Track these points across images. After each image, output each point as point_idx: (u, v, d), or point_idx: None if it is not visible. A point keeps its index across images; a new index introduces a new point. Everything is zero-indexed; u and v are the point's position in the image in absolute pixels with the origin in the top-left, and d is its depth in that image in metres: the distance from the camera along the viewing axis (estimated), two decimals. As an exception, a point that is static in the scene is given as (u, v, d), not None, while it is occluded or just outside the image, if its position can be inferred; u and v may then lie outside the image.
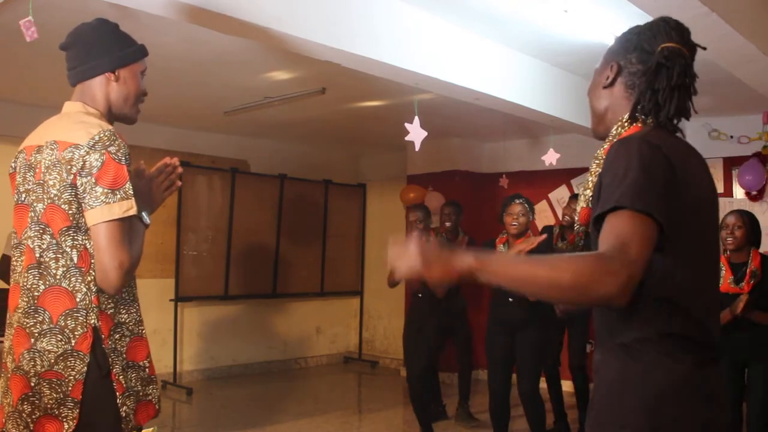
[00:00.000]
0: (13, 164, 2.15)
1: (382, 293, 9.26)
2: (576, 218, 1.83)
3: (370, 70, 4.23)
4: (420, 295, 5.31)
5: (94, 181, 1.94)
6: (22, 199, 2.07)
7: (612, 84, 1.80)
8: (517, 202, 4.62)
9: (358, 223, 9.69)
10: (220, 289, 8.05)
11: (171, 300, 7.60)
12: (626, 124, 1.74)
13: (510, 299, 4.66)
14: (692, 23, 3.47)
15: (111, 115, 2.19)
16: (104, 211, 1.94)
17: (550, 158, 6.11)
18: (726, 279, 4.32)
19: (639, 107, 1.72)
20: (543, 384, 5.05)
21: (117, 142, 1.99)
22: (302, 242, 8.88)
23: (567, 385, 6.07)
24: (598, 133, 1.85)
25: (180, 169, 2.33)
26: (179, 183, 2.35)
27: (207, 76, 5.54)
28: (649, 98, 1.71)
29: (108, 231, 1.94)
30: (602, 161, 1.70)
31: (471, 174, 8.32)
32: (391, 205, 9.09)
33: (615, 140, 1.70)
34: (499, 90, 4.93)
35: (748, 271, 4.30)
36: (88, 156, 1.95)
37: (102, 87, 2.14)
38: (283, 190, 8.62)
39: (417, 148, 4.99)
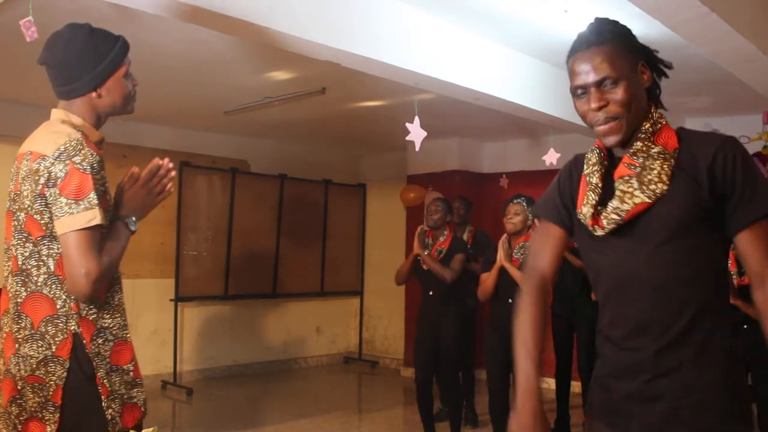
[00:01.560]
0: (12, 169, 2.15)
1: (383, 293, 9.28)
2: (623, 216, 1.74)
3: (370, 70, 4.23)
4: (431, 293, 5.27)
5: (58, 191, 1.94)
6: (9, 206, 2.08)
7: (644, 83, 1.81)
8: (515, 202, 4.69)
9: (358, 223, 9.69)
10: (220, 289, 8.05)
11: (171, 300, 7.61)
12: (659, 119, 1.81)
13: (510, 300, 4.66)
14: (692, 23, 3.50)
15: (101, 120, 2.17)
16: (68, 221, 1.93)
17: (551, 158, 6.11)
18: (729, 271, 4.32)
19: (655, 101, 1.85)
20: (545, 385, 5.06)
21: (83, 152, 1.96)
22: (302, 242, 8.88)
23: (575, 386, 6.06)
24: (625, 138, 1.78)
25: (173, 173, 2.27)
26: (170, 188, 2.28)
27: (207, 76, 5.54)
28: (656, 92, 1.87)
29: (74, 240, 1.93)
30: (667, 156, 1.73)
31: (471, 174, 8.32)
32: (391, 205, 9.09)
33: (675, 133, 1.79)
34: (499, 90, 4.93)
35: None
36: (52, 167, 1.95)
37: (87, 103, 2.12)
38: (283, 190, 8.62)
39: (417, 148, 4.99)
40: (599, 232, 1.80)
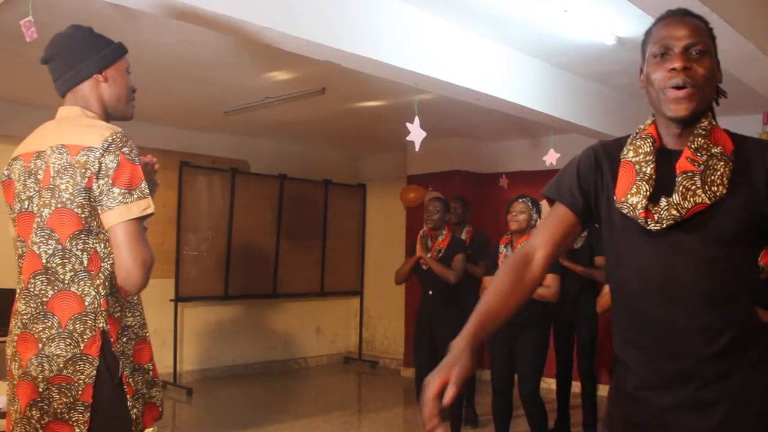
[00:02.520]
0: (6, 172, 2.14)
1: (382, 293, 9.28)
2: (683, 214, 1.67)
3: (370, 70, 4.23)
4: (431, 293, 5.28)
5: (111, 182, 1.94)
6: (26, 206, 2.05)
7: None
8: (520, 201, 4.73)
9: (358, 223, 9.69)
10: (219, 290, 8.05)
11: (171, 300, 7.61)
12: (713, 120, 1.76)
13: None
14: (692, 23, 3.48)
15: (107, 116, 2.19)
16: (123, 211, 1.94)
17: (551, 158, 6.12)
18: None
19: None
20: (545, 385, 5.07)
21: (129, 143, 2.01)
22: (302, 242, 8.88)
23: (575, 386, 6.06)
24: (694, 114, 1.70)
25: (157, 166, 2.33)
26: (158, 182, 2.34)
27: (207, 76, 5.54)
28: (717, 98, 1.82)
29: (128, 230, 1.94)
30: (727, 159, 1.68)
31: (471, 174, 8.32)
32: (391, 205, 9.09)
33: (724, 133, 1.74)
34: (499, 90, 4.93)
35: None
36: (103, 158, 1.95)
37: (93, 90, 2.14)
38: (283, 190, 8.62)
39: (417, 148, 4.99)
40: (654, 227, 1.69)
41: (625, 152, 1.79)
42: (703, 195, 1.65)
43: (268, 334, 8.78)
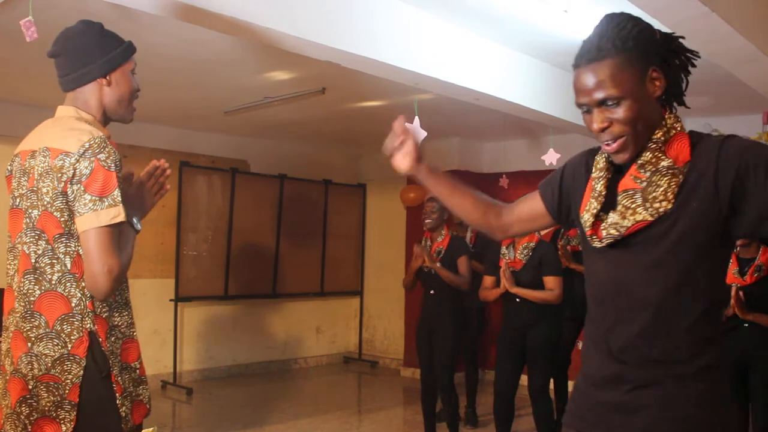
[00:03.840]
0: (9, 167, 2.17)
1: (382, 293, 9.28)
2: (621, 232, 1.68)
3: (370, 70, 4.23)
4: (432, 292, 5.26)
5: (83, 188, 1.95)
6: (17, 203, 2.08)
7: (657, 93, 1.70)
8: None
9: (358, 223, 9.69)
10: (219, 289, 8.05)
11: (171, 300, 7.61)
12: (674, 125, 1.71)
13: (517, 299, 4.70)
14: (692, 23, 3.50)
15: (106, 118, 2.19)
16: (92, 218, 1.94)
17: (551, 158, 6.11)
18: (730, 270, 4.32)
19: (670, 104, 1.76)
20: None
21: (107, 149, 1.99)
22: (302, 242, 8.88)
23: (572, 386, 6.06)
24: (634, 154, 1.69)
25: (169, 172, 2.33)
26: (168, 187, 2.35)
27: (207, 76, 5.54)
28: (675, 95, 1.75)
29: (97, 237, 1.94)
30: (676, 171, 1.64)
31: (471, 174, 8.31)
32: (391, 205, 9.09)
33: (689, 140, 1.68)
34: (499, 90, 4.93)
35: (753, 264, 4.31)
36: (78, 164, 1.96)
37: (95, 92, 2.15)
38: (283, 190, 8.62)
39: (417, 147, 4.98)
40: (597, 244, 1.74)
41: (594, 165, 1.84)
42: (644, 212, 1.65)
43: (268, 334, 8.78)
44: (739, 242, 4.38)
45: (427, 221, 5.22)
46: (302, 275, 8.91)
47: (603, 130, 1.67)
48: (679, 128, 1.70)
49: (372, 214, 9.71)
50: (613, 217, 1.70)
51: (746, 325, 4.30)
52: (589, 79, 1.66)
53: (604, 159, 1.79)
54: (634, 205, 1.67)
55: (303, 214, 8.90)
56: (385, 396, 7.70)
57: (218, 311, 8.27)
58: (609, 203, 1.73)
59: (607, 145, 1.70)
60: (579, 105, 1.72)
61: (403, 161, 2.06)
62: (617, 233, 1.69)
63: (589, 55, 1.68)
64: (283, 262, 8.62)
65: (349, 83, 5.57)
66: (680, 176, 1.64)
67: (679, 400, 1.65)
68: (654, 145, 1.68)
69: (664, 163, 1.66)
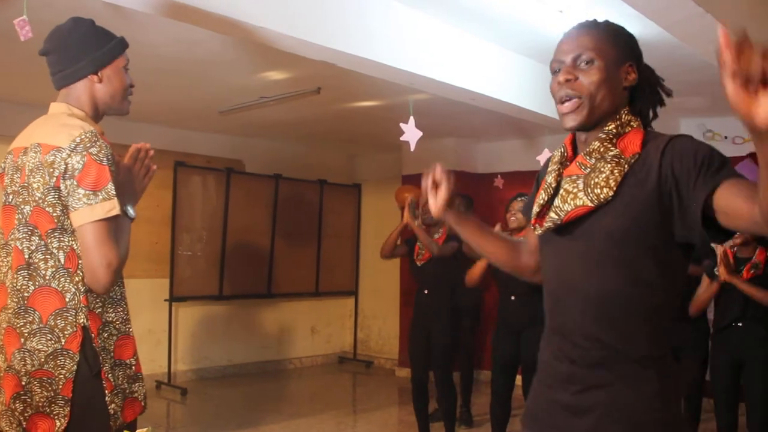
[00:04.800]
0: (2, 165, 2.17)
1: (378, 293, 9.28)
2: (561, 216, 1.68)
3: (366, 70, 4.23)
4: (426, 291, 5.26)
5: (76, 183, 1.95)
6: (10, 200, 2.08)
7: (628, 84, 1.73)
8: (519, 199, 4.75)
9: (353, 223, 9.69)
10: (214, 289, 8.03)
11: (165, 300, 7.59)
12: (630, 122, 1.71)
13: (512, 298, 4.70)
14: (687, 24, 3.51)
15: (99, 114, 2.19)
16: (87, 212, 1.95)
17: (545, 158, 6.13)
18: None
19: (638, 108, 1.75)
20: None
21: (98, 143, 2.00)
22: (297, 242, 8.87)
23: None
24: (584, 124, 1.70)
25: (152, 152, 2.29)
26: (155, 167, 2.32)
27: (202, 76, 5.53)
28: (647, 101, 1.77)
29: (93, 231, 1.95)
30: (622, 161, 1.63)
31: (466, 174, 8.32)
32: (387, 205, 9.07)
33: (634, 136, 1.68)
34: (495, 90, 4.93)
35: (750, 262, 4.33)
36: (69, 158, 1.96)
37: (87, 89, 2.15)
38: (278, 189, 8.61)
39: (412, 148, 4.98)
40: (538, 231, 1.76)
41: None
42: (584, 198, 1.64)
43: (263, 334, 8.77)
44: (738, 241, 4.40)
45: (424, 216, 5.20)
46: (297, 275, 8.90)
47: (567, 81, 1.69)
48: (635, 126, 1.71)
49: (367, 214, 9.71)
50: (555, 201, 1.70)
51: (740, 324, 4.32)
52: (571, 40, 1.73)
53: (559, 152, 1.81)
54: (575, 190, 1.66)
55: (298, 213, 8.89)
56: (380, 396, 7.70)
57: (213, 311, 8.25)
58: (557, 193, 1.73)
59: (562, 102, 1.71)
60: (554, 63, 1.76)
61: (433, 205, 2.02)
62: (557, 217, 1.68)
63: (579, 25, 1.76)
64: (278, 262, 8.61)
65: (345, 83, 5.57)
66: (625, 166, 1.63)
67: (627, 403, 1.61)
68: (604, 136, 1.69)
69: (611, 153, 1.66)
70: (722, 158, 1.54)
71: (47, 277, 1.99)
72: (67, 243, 2.00)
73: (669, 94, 1.79)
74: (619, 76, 1.70)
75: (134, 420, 2.16)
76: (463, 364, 6.44)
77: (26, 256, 2.00)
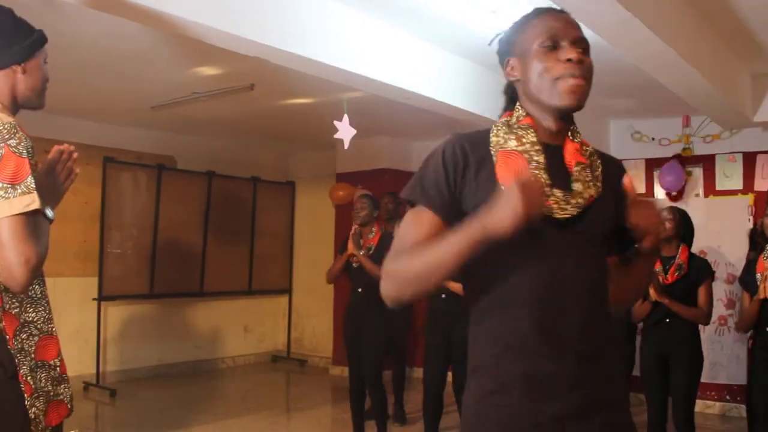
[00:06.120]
0: None
1: (311, 291, 9.25)
2: (584, 202, 1.67)
3: (300, 67, 4.21)
4: (360, 290, 5.25)
5: None
6: None
7: None
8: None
9: (286, 220, 9.64)
10: (144, 288, 7.89)
11: (94, 299, 7.41)
12: None
13: (443, 295, 4.72)
14: (617, 28, 3.59)
15: (16, 106, 2.11)
16: (4, 206, 1.84)
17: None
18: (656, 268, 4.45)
19: None
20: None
21: (18, 135, 1.91)
22: (230, 240, 8.79)
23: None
24: (581, 107, 1.65)
25: (75, 155, 2.21)
26: (77, 170, 2.23)
27: (132, 70, 5.41)
28: None
29: (10, 226, 1.84)
30: (597, 156, 1.72)
31: (400, 172, 8.34)
32: (320, 202, 9.07)
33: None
34: (429, 89, 4.96)
35: (674, 263, 4.44)
36: None
37: (7, 79, 2.06)
38: (211, 187, 8.51)
39: (346, 146, 4.99)
40: (561, 215, 1.58)
41: (501, 141, 1.70)
42: (593, 188, 1.65)
43: (195, 333, 8.65)
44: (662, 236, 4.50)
45: (358, 215, 5.20)
46: (230, 273, 8.81)
47: (579, 61, 1.61)
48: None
49: (301, 212, 9.67)
50: (576, 186, 1.62)
51: (667, 320, 4.43)
52: (566, 23, 1.66)
53: (531, 133, 1.66)
54: (588, 179, 1.65)
55: (231, 211, 8.81)
56: (314, 395, 7.68)
57: (143, 310, 8.10)
58: (557, 177, 1.63)
59: (574, 78, 1.61)
60: (548, 38, 1.63)
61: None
62: (583, 202, 1.61)
63: (560, 11, 1.71)
64: (210, 260, 8.51)
65: (279, 80, 5.53)
66: (602, 165, 1.71)
67: (613, 395, 1.65)
68: (577, 131, 1.72)
69: (589, 149, 1.71)
70: None
71: None
72: None
73: None
74: None
75: (60, 423, 2.08)
76: (395, 362, 6.46)
77: None
